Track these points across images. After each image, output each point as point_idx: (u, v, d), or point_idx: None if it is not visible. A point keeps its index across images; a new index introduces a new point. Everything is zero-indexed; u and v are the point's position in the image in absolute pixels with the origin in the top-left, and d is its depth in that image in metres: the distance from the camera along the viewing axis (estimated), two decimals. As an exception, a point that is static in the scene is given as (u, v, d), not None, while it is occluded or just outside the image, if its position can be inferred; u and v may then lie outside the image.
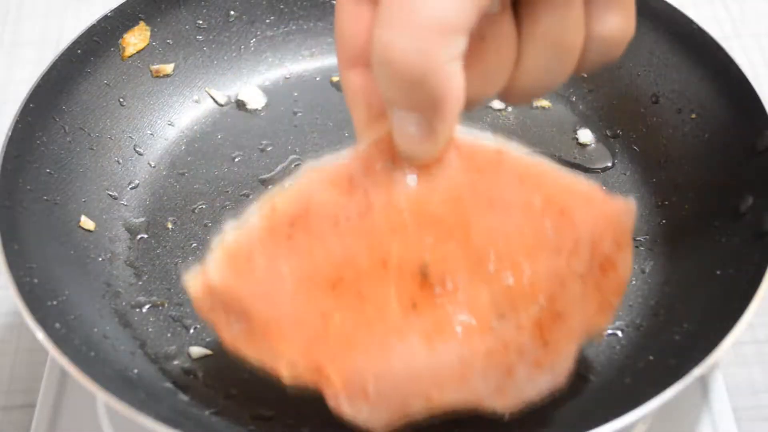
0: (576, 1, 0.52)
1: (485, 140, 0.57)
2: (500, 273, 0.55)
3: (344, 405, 0.54)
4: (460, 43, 0.48)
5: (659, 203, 0.74)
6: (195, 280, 0.57)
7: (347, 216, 0.55)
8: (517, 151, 0.57)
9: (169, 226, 0.74)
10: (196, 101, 0.83)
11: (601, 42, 0.54)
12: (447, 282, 0.55)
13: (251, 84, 0.84)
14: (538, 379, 0.56)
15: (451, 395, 0.55)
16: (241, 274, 0.56)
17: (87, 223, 0.71)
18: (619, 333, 0.67)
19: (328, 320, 0.55)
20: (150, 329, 0.68)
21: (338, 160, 0.56)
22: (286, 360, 0.55)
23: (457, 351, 0.54)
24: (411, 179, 0.55)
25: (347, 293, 0.55)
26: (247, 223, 0.57)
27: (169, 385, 0.64)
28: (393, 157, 0.55)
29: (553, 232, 0.56)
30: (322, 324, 0.55)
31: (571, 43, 0.53)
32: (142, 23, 0.80)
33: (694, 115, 0.75)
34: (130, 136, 0.78)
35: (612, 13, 0.53)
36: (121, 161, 0.77)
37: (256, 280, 0.56)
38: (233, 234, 0.57)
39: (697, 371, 0.57)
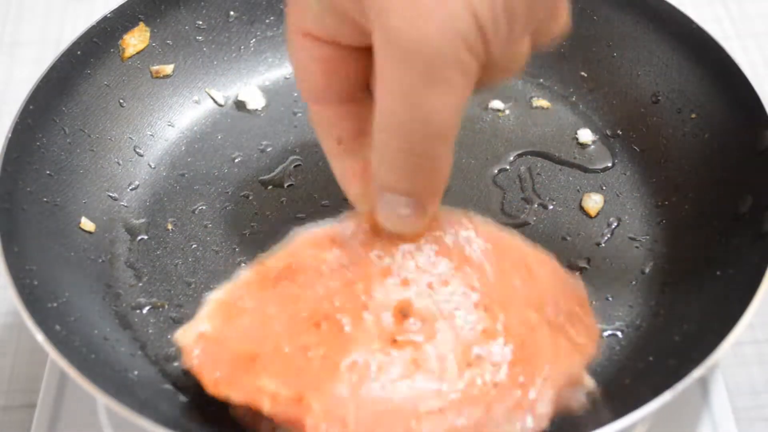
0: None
1: (461, 216, 0.63)
2: (476, 317, 0.60)
3: None
4: (456, 130, 0.52)
5: (659, 203, 0.74)
6: (186, 332, 0.60)
7: (331, 268, 0.61)
8: (488, 225, 0.64)
9: (170, 227, 0.74)
10: (196, 102, 0.83)
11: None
12: (426, 323, 0.59)
13: (251, 84, 0.84)
14: (517, 421, 0.57)
15: (429, 425, 0.56)
16: (230, 319, 0.60)
17: (87, 224, 0.71)
18: (619, 333, 0.67)
19: (312, 353, 0.58)
20: (150, 331, 0.68)
21: (323, 227, 0.62)
22: (269, 393, 0.57)
23: (436, 385, 0.57)
24: (392, 242, 0.61)
25: (330, 330, 0.59)
26: (237, 278, 0.62)
27: (169, 386, 0.64)
28: (374, 226, 0.61)
29: (522, 287, 0.61)
30: (305, 357, 0.58)
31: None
32: (141, 24, 0.80)
33: (694, 115, 0.75)
34: (130, 137, 0.78)
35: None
36: (121, 162, 0.77)
37: (244, 322, 0.60)
38: (223, 288, 0.62)
39: (696, 373, 0.57)
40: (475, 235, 0.63)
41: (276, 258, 0.62)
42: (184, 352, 0.59)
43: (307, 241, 0.62)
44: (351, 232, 0.62)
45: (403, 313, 0.59)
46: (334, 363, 0.58)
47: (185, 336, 0.59)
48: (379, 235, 0.61)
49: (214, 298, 0.61)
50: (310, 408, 0.56)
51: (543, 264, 0.63)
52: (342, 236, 0.62)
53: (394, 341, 0.58)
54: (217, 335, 0.59)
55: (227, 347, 0.58)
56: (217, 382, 0.58)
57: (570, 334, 0.61)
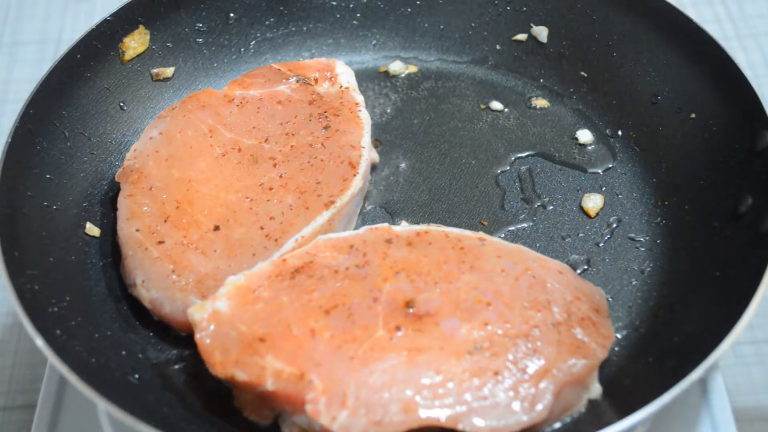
0: None
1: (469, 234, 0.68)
2: (479, 313, 0.63)
3: (322, 410, 0.58)
4: None
5: (659, 203, 0.75)
6: (201, 308, 0.63)
7: (346, 266, 0.65)
8: (500, 241, 0.68)
9: (170, 229, 0.74)
10: (197, 103, 0.82)
11: None
12: (430, 315, 0.63)
13: (251, 85, 0.84)
14: (515, 409, 0.59)
15: (428, 405, 0.59)
16: (245, 304, 0.63)
17: (92, 229, 0.71)
18: (618, 335, 0.67)
19: (318, 336, 0.61)
20: (152, 333, 0.68)
21: (345, 235, 0.67)
22: (273, 371, 0.60)
23: (436, 364, 0.60)
24: (404, 249, 0.66)
25: (339, 317, 0.62)
26: (258, 268, 0.65)
27: (170, 389, 0.64)
28: (388, 240, 0.67)
29: (527, 291, 0.65)
30: (312, 339, 0.61)
31: None
32: (141, 27, 0.80)
33: (694, 115, 0.75)
34: (131, 140, 0.78)
35: None
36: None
37: (258, 308, 0.63)
38: (243, 275, 0.65)
39: (695, 374, 0.57)
40: (484, 248, 0.67)
41: (296, 255, 0.66)
42: (196, 327, 0.61)
43: (328, 243, 0.66)
44: (369, 240, 0.66)
45: (408, 305, 0.63)
46: (339, 345, 0.60)
47: (200, 311, 0.62)
48: (394, 246, 0.66)
49: (234, 281, 0.64)
50: (311, 384, 0.59)
51: (554, 272, 0.66)
52: (360, 243, 0.66)
53: (398, 328, 0.61)
54: (231, 316, 0.62)
55: (238, 329, 0.61)
56: (225, 361, 0.60)
57: (577, 335, 0.62)
